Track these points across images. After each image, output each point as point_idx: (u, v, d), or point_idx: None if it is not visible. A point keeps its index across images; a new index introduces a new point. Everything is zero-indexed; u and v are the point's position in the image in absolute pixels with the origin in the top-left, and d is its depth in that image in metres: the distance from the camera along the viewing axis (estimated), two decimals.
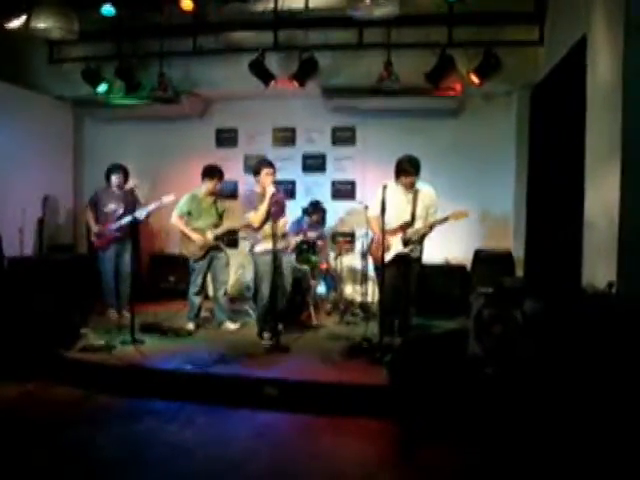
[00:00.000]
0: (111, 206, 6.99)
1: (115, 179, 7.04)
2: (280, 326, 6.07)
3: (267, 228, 5.93)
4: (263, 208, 5.91)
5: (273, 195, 5.89)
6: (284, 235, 6.18)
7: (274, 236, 5.75)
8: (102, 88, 7.67)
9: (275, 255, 5.82)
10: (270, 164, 6.07)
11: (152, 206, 6.58)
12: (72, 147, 8.99)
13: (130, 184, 7.01)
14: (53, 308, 5.91)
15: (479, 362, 3.73)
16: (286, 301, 6.20)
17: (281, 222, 6.00)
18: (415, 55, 7.04)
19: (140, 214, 6.46)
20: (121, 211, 6.92)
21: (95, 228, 6.98)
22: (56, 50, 8.10)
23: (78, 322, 6.13)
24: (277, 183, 6.13)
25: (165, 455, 3.86)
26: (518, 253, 7.33)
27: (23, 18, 6.12)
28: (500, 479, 3.33)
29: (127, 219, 6.64)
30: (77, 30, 5.91)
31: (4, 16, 6.15)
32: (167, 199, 6.51)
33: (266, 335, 6.01)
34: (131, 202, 6.67)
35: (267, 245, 5.92)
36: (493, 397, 3.55)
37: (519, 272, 7.11)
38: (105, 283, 7.12)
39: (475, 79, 6.95)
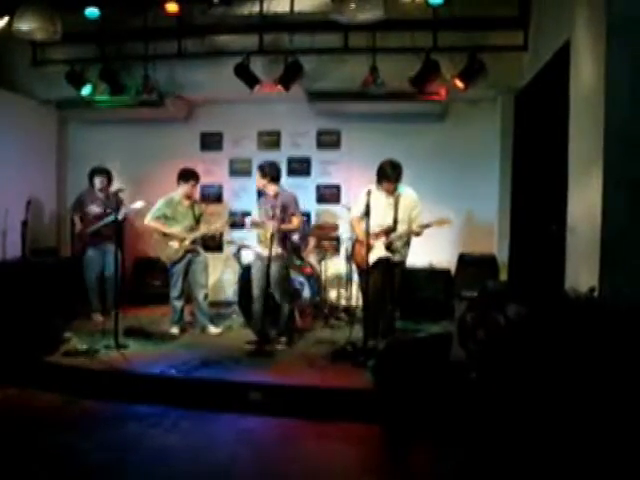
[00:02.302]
0: (94, 208, 6.99)
1: (98, 182, 7.05)
2: (273, 332, 6.09)
3: (260, 233, 6.00)
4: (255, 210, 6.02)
5: (259, 195, 5.94)
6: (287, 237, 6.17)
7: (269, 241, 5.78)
8: (86, 90, 7.60)
9: (262, 259, 5.85)
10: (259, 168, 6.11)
11: (126, 209, 6.71)
12: (56, 149, 8.90)
13: (114, 187, 6.97)
14: (36, 312, 5.86)
15: (463, 366, 3.75)
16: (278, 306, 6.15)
17: (294, 222, 6.00)
18: (400, 59, 7.05)
19: (118, 215, 6.42)
20: (101, 212, 6.92)
21: (77, 228, 7.04)
22: (40, 52, 8.01)
23: (61, 326, 6.08)
24: None
25: (149, 459, 3.84)
26: (502, 257, 7.36)
27: (5, 19, 6.07)
28: None
29: (107, 220, 6.65)
30: (60, 31, 5.86)
31: None
32: (138, 205, 6.58)
33: (282, 339, 6.06)
34: (115, 205, 6.62)
35: (257, 249, 5.98)
36: (477, 401, 3.56)
37: (503, 276, 7.15)
38: (89, 286, 7.09)
39: (460, 84, 6.99)
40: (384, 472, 3.75)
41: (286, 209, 5.92)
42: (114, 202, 6.50)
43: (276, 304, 6.07)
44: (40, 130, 8.53)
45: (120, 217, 6.50)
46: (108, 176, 7.15)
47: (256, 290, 6.07)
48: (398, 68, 6.97)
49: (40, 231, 8.23)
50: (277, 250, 5.90)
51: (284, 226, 5.92)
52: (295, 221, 6.00)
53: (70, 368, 5.27)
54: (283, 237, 6.02)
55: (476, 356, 3.74)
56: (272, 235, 5.78)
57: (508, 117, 7.47)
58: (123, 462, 3.78)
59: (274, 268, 5.90)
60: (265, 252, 5.82)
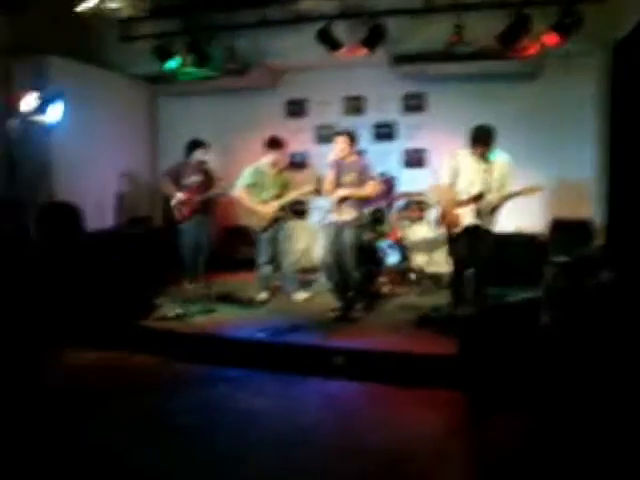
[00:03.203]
0: (194, 178, 7.06)
1: (200, 153, 7.08)
2: (351, 294, 6.09)
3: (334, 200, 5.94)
4: (329, 176, 5.91)
5: (335, 162, 5.86)
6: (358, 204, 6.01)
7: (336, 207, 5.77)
8: (173, 63, 7.76)
9: (336, 226, 5.84)
10: (340, 132, 6.01)
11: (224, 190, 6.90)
12: (147, 122, 9.25)
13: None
14: (130, 279, 6.15)
15: (550, 333, 3.62)
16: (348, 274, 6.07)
17: (368, 187, 5.87)
18: (487, 16, 6.71)
19: (224, 191, 6.73)
20: (200, 182, 7.03)
21: (180, 196, 6.92)
22: (127, 28, 8.22)
23: (155, 292, 6.35)
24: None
25: (236, 421, 3.97)
26: (598, 221, 7.02)
27: (95, 0, 6.27)
28: (570, 448, 3.23)
29: (215, 192, 6.85)
30: (147, 7, 6.00)
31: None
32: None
33: (357, 307, 6.03)
34: (209, 175, 6.90)
35: (332, 216, 5.95)
36: (564, 367, 3.43)
37: (599, 241, 6.82)
38: (185, 254, 7.23)
39: (553, 39, 6.56)
40: (467, 438, 3.71)
41: (363, 173, 5.86)
42: (207, 172, 6.70)
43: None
44: (131, 104, 8.87)
45: (223, 193, 6.80)
46: (206, 148, 7.24)
47: (328, 257, 6.06)
48: (485, 25, 6.65)
49: (135, 201, 8.60)
50: (352, 215, 5.85)
51: (357, 193, 5.83)
52: (371, 187, 5.88)
53: (162, 332, 5.53)
54: (359, 202, 5.94)
55: (563, 322, 3.59)
56: (342, 200, 5.81)
57: (606, 72, 7.02)
58: (211, 423, 3.93)
59: (346, 234, 5.87)
60: (339, 218, 5.81)
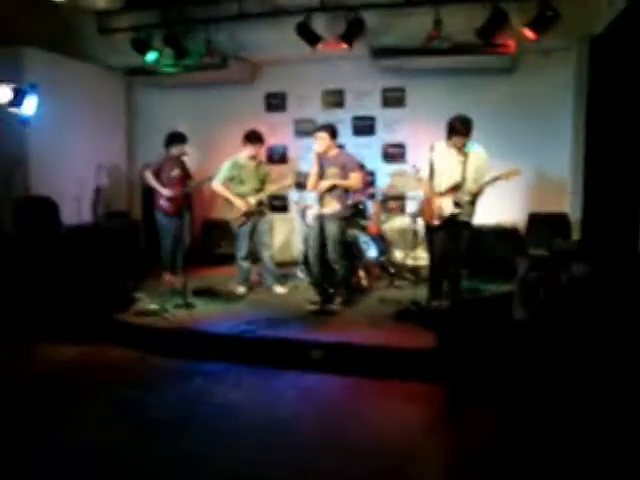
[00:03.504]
0: (177, 171, 7.06)
1: (179, 147, 7.06)
2: (331, 290, 6.10)
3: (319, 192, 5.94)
4: (312, 171, 5.91)
5: (318, 156, 5.86)
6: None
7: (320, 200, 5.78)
8: (151, 56, 7.69)
9: (319, 220, 5.84)
10: (320, 128, 6.04)
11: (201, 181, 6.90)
12: (124, 115, 9.15)
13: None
14: (108, 273, 6.10)
15: (523, 326, 3.65)
16: (331, 267, 6.08)
17: (352, 179, 5.87)
18: (465, 10, 6.73)
19: (206, 180, 6.71)
20: (180, 177, 7.00)
21: (166, 192, 6.96)
22: (105, 20, 8.15)
23: (132, 286, 6.31)
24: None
25: (213, 415, 3.98)
26: (575, 215, 7.08)
27: None
28: (546, 443, 3.27)
29: (199, 182, 6.88)
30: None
31: None
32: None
33: (337, 301, 6.03)
34: (186, 169, 6.95)
35: (315, 209, 5.96)
36: (539, 360, 3.47)
37: (575, 235, 6.89)
38: (164, 247, 7.19)
39: (530, 34, 6.58)
40: (444, 431, 3.74)
41: (345, 167, 5.86)
42: (184, 166, 6.71)
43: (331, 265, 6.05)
44: (109, 97, 8.77)
45: (206, 182, 6.76)
46: (184, 141, 7.21)
47: (311, 250, 6.09)
48: (463, 20, 6.67)
49: (112, 195, 8.52)
50: (335, 208, 5.87)
51: (341, 182, 5.83)
52: (354, 179, 5.89)
53: (140, 326, 5.51)
54: (342, 195, 5.95)
55: (537, 315, 3.63)
56: (324, 193, 5.85)
57: (582, 68, 7.07)
58: (188, 416, 3.94)
59: (330, 227, 5.89)
60: (322, 211, 5.82)
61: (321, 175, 5.87)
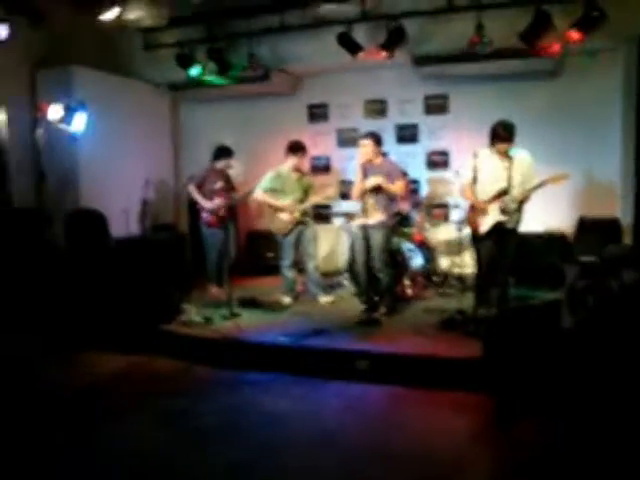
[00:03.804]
0: (220, 183, 7.09)
1: (227, 161, 7.15)
2: (376, 299, 6.07)
3: (364, 203, 5.89)
4: (356, 180, 5.91)
5: (362, 165, 5.85)
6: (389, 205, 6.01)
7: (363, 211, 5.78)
8: (195, 71, 7.82)
9: (364, 230, 5.81)
10: (365, 135, 6.04)
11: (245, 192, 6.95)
12: (170, 129, 9.36)
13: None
14: (156, 285, 6.21)
15: (572, 334, 3.56)
16: (376, 276, 6.07)
17: (396, 185, 5.84)
18: (508, 14, 6.63)
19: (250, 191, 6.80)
20: (223, 189, 7.06)
21: (209, 205, 6.97)
22: (150, 37, 8.34)
23: (179, 298, 6.40)
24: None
25: (260, 424, 4.00)
26: (626, 220, 6.89)
27: (116, 10, 6.38)
28: (595, 453, 3.18)
29: (242, 194, 6.91)
30: (167, 17, 6.07)
31: (98, 10, 6.43)
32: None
33: (382, 310, 6.01)
34: (230, 181, 7.05)
35: (359, 220, 5.93)
36: (588, 370, 3.38)
37: (627, 240, 6.69)
38: (210, 259, 7.26)
39: (575, 36, 6.44)
40: (491, 441, 3.68)
41: (390, 175, 5.84)
42: (228, 178, 6.81)
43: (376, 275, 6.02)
44: (154, 112, 8.97)
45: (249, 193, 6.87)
46: (231, 156, 7.29)
47: (356, 260, 6.11)
48: (506, 24, 6.57)
49: (159, 208, 8.69)
50: (379, 217, 5.85)
51: (386, 184, 5.78)
52: (398, 185, 5.85)
53: (186, 336, 5.59)
54: (387, 204, 5.93)
55: (585, 324, 3.53)
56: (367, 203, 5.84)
57: (631, 68, 6.88)
58: (235, 426, 3.97)
59: (375, 237, 5.87)
60: (367, 221, 5.81)
61: (364, 185, 5.85)
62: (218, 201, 6.95)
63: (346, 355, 4.94)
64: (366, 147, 5.86)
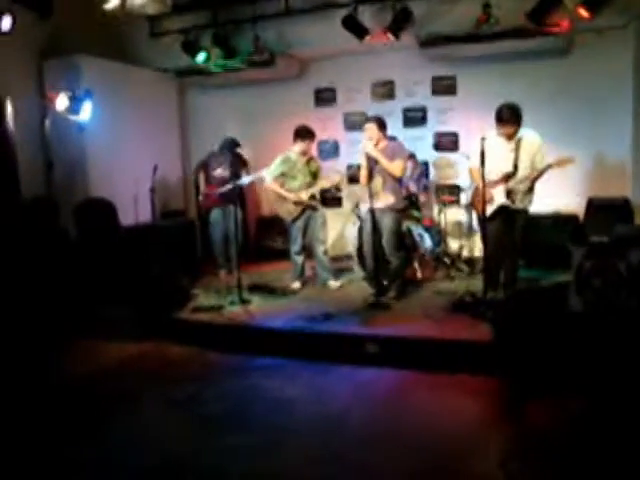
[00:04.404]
0: (219, 171, 7.28)
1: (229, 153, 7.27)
2: (385, 282, 6.06)
3: (372, 186, 5.84)
4: (362, 165, 5.87)
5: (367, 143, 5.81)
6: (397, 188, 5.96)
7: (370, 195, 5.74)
8: (201, 57, 7.81)
9: (372, 213, 5.78)
10: (369, 119, 6.02)
11: (252, 177, 6.85)
12: (177, 116, 9.36)
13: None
14: (166, 272, 6.25)
15: (579, 316, 3.54)
16: (386, 260, 6.05)
17: (395, 164, 5.77)
18: None
19: (242, 182, 6.75)
20: (227, 176, 7.12)
21: (203, 189, 7.38)
22: (156, 24, 8.33)
23: (189, 284, 6.44)
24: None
25: (270, 409, 4.03)
26: (637, 200, 6.81)
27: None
28: (608, 434, 3.18)
29: (229, 186, 6.82)
30: (170, 4, 6.04)
31: None
32: (260, 175, 6.75)
33: (392, 293, 6.01)
34: (237, 167, 7.00)
35: (368, 203, 5.89)
36: (595, 352, 3.36)
37: (638, 221, 6.62)
38: (214, 245, 7.44)
39: (584, 13, 6.32)
40: (501, 424, 3.67)
41: (394, 155, 5.80)
42: (236, 164, 6.79)
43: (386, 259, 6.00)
44: (162, 99, 8.97)
45: (246, 183, 6.86)
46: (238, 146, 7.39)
47: (365, 244, 6.07)
48: (513, 2, 6.50)
49: (168, 195, 8.72)
50: (389, 200, 5.83)
51: (383, 159, 5.73)
52: (395, 164, 5.76)
53: (197, 323, 5.62)
54: (394, 187, 5.90)
55: (592, 305, 3.51)
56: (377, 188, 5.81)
57: None
58: (244, 411, 4.00)
59: (385, 220, 5.85)
60: (376, 204, 5.78)
61: (371, 169, 5.82)
62: (205, 189, 7.38)
63: (355, 339, 4.95)
64: (370, 130, 5.83)
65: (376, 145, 5.82)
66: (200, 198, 7.50)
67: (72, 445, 3.63)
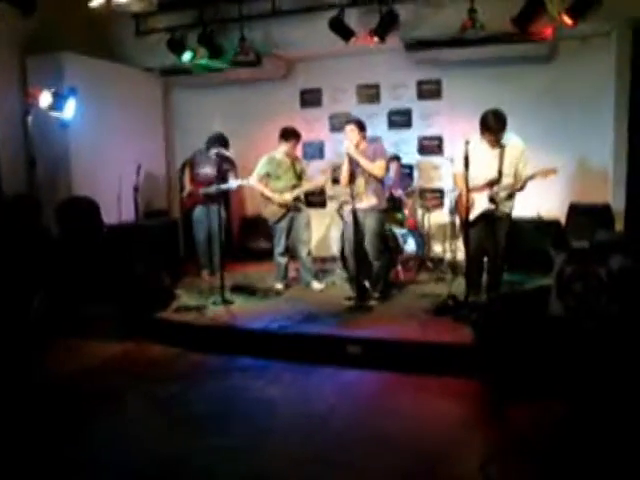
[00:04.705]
0: (206, 170, 7.24)
1: (215, 150, 7.18)
2: (367, 284, 6.08)
3: (354, 187, 5.84)
4: (343, 167, 5.87)
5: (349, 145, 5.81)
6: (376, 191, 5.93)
7: (352, 195, 5.76)
8: (186, 56, 7.78)
9: (355, 214, 5.78)
10: (349, 121, 6.01)
11: (239, 182, 6.86)
12: (162, 115, 9.30)
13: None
14: (149, 271, 6.21)
15: (560, 321, 3.57)
16: (369, 262, 6.06)
17: (376, 165, 5.79)
18: None
19: (229, 185, 6.81)
20: (213, 175, 7.06)
21: (187, 188, 7.35)
22: (141, 22, 8.29)
23: (172, 284, 6.41)
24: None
25: (251, 410, 4.02)
26: (617, 206, 6.89)
27: None
28: (588, 436, 3.21)
29: (215, 188, 6.80)
30: (156, 2, 6.02)
31: None
32: (244, 182, 6.82)
33: (374, 295, 6.03)
34: (224, 169, 6.93)
35: (350, 205, 5.88)
36: (579, 355, 3.39)
37: (619, 227, 6.70)
38: (198, 245, 7.40)
39: (568, 20, 6.38)
40: (482, 426, 3.70)
41: (375, 156, 5.82)
42: (223, 166, 6.80)
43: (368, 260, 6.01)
44: (146, 98, 8.91)
45: (234, 187, 6.92)
46: (225, 144, 7.30)
47: (347, 245, 6.07)
48: (499, 8, 6.51)
49: (151, 194, 8.67)
50: (371, 202, 5.84)
51: (364, 161, 5.73)
52: (376, 165, 5.77)
53: (179, 323, 5.60)
54: (377, 188, 5.90)
55: (572, 311, 3.54)
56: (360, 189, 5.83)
57: (625, 53, 6.84)
58: (227, 412, 3.99)
59: (368, 221, 5.86)
60: (359, 205, 5.79)
61: (352, 171, 5.82)
62: (189, 188, 7.34)
63: (337, 341, 4.95)
64: (351, 132, 5.83)
65: (357, 147, 5.82)
66: (183, 195, 7.48)
67: (54, 445, 3.59)
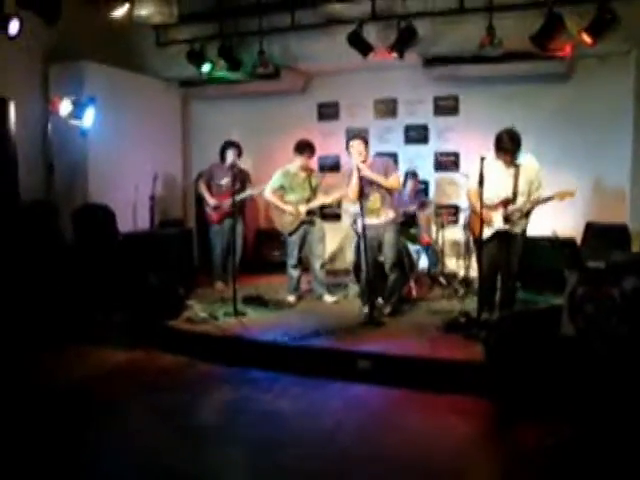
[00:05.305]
0: (226, 180, 7.23)
1: (231, 155, 7.25)
2: (379, 300, 6.06)
3: (367, 203, 5.85)
4: (353, 181, 5.86)
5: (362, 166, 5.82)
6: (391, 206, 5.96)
7: (361, 209, 5.74)
8: (206, 68, 7.85)
9: (364, 230, 5.76)
10: (356, 136, 6.03)
11: (255, 190, 7.02)
12: (180, 126, 9.40)
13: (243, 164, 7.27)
14: (162, 280, 6.24)
15: (571, 342, 3.53)
16: (385, 276, 6.04)
17: (391, 179, 5.84)
18: (519, 16, 6.60)
19: (249, 193, 6.98)
20: (230, 186, 7.08)
21: (212, 201, 7.31)
22: (162, 34, 8.40)
23: (184, 293, 6.43)
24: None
25: (259, 422, 4.00)
26: (635, 227, 6.82)
27: (126, 7, 6.44)
28: (595, 458, 3.16)
29: (245, 194, 6.88)
30: (176, 14, 6.12)
31: (110, 6, 6.49)
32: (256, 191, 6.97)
33: (387, 310, 6.02)
34: (241, 178, 7.02)
35: (367, 220, 5.87)
36: (589, 377, 3.35)
37: (636, 247, 6.62)
38: (215, 256, 7.42)
39: (587, 39, 6.35)
40: (490, 446, 3.66)
41: (387, 171, 5.84)
42: (240, 175, 6.84)
43: (384, 274, 5.98)
44: (165, 108, 9.02)
45: (254, 194, 7.05)
46: (239, 150, 7.36)
47: (362, 260, 6.01)
48: (518, 26, 6.53)
49: (167, 204, 8.73)
50: (389, 216, 5.86)
51: (380, 178, 5.76)
52: (392, 179, 5.84)
53: (190, 333, 5.61)
54: (392, 202, 5.91)
55: (583, 332, 3.50)
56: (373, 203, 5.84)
57: None
58: (234, 423, 3.98)
59: (387, 235, 5.86)
60: (374, 221, 5.78)
61: (361, 185, 5.81)
62: (213, 201, 7.28)
63: (348, 355, 4.93)
64: (358, 146, 5.84)
65: (363, 162, 5.83)
66: (207, 210, 7.43)
67: (57, 451, 3.60)
